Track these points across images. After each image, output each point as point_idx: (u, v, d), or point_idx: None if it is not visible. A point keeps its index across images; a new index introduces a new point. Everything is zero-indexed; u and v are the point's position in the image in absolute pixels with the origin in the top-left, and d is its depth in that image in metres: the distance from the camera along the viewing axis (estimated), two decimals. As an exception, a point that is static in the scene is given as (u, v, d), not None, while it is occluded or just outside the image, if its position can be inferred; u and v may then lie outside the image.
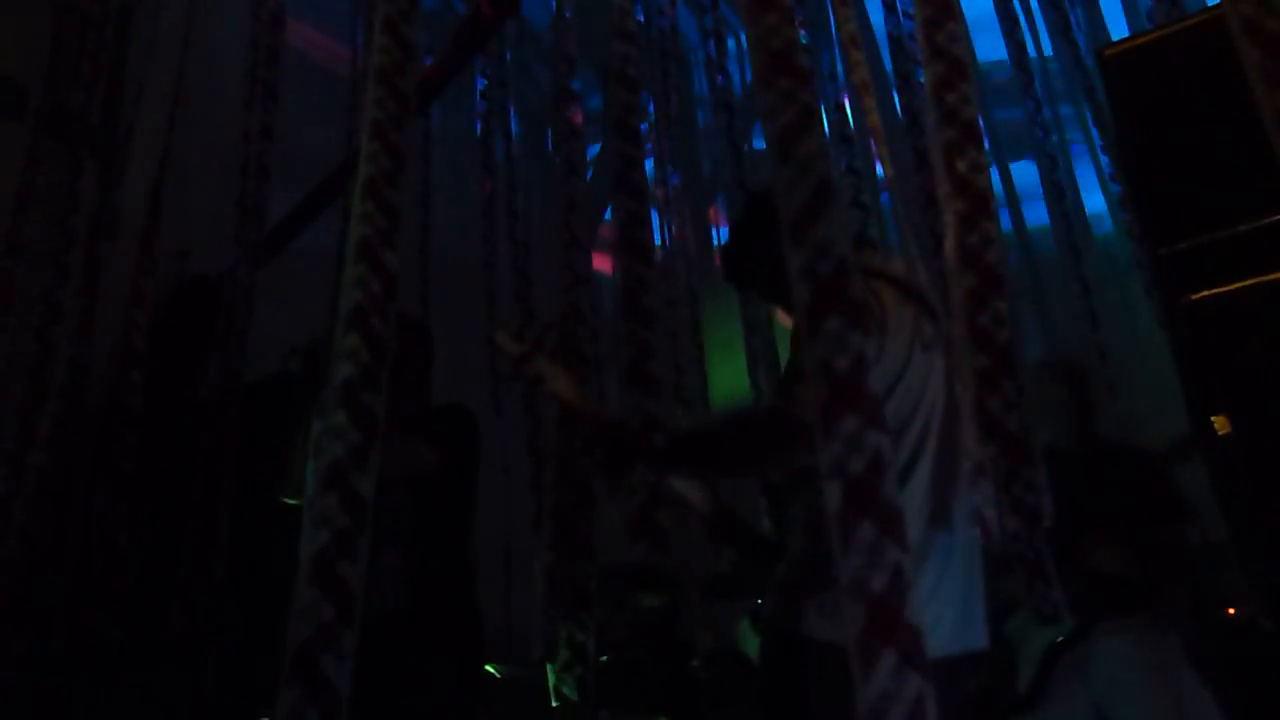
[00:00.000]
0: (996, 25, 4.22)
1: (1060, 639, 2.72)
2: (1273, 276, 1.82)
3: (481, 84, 4.49)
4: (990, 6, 4.26)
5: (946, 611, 1.70)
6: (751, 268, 2.03)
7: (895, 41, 3.26)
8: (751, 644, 4.19)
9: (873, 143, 2.55)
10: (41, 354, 2.49)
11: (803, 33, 3.80)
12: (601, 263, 6.47)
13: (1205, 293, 1.89)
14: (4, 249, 2.57)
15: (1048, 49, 5.31)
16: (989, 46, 4.78)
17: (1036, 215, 5.06)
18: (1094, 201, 5.30)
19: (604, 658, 3.67)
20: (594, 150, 5.36)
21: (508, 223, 4.13)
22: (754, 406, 1.62)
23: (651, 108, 5.11)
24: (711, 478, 2.17)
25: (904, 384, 1.74)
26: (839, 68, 3.92)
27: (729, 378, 4.75)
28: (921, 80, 2.07)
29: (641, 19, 4.81)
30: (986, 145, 1.84)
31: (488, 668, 3.17)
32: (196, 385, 2.82)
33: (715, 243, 7.17)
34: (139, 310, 2.49)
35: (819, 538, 1.70)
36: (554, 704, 3.75)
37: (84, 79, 2.79)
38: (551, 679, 3.85)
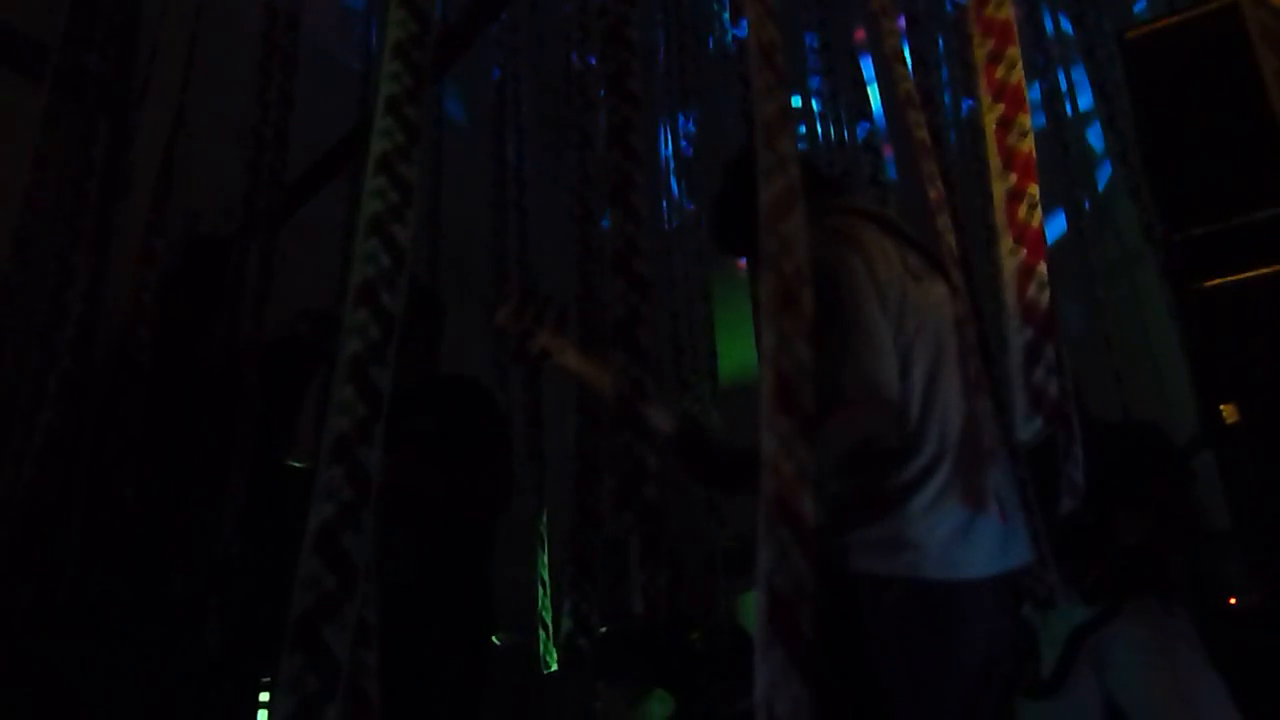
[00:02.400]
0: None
1: (1083, 624, 2.71)
2: (1285, 266, 1.82)
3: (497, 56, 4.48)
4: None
5: (986, 536, 1.71)
6: (735, 233, 2.02)
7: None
8: (752, 618, 4.22)
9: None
10: (54, 314, 2.50)
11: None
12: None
13: (1218, 280, 1.89)
14: (22, 208, 2.57)
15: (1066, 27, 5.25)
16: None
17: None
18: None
19: (603, 629, 3.70)
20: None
21: (516, 194, 4.11)
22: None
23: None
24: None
25: (908, 309, 1.75)
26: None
27: (740, 355, 4.75)
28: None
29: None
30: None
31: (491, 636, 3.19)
32: (205, 345, 2.82)
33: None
34: (149, 269, 2.49)
35: (849, 480, 1.72)
36: (553, 672, 3.79)
37: (99, 38, 2.78)
38: (552, 649, 3.89)
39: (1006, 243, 1.61)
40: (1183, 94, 2.06)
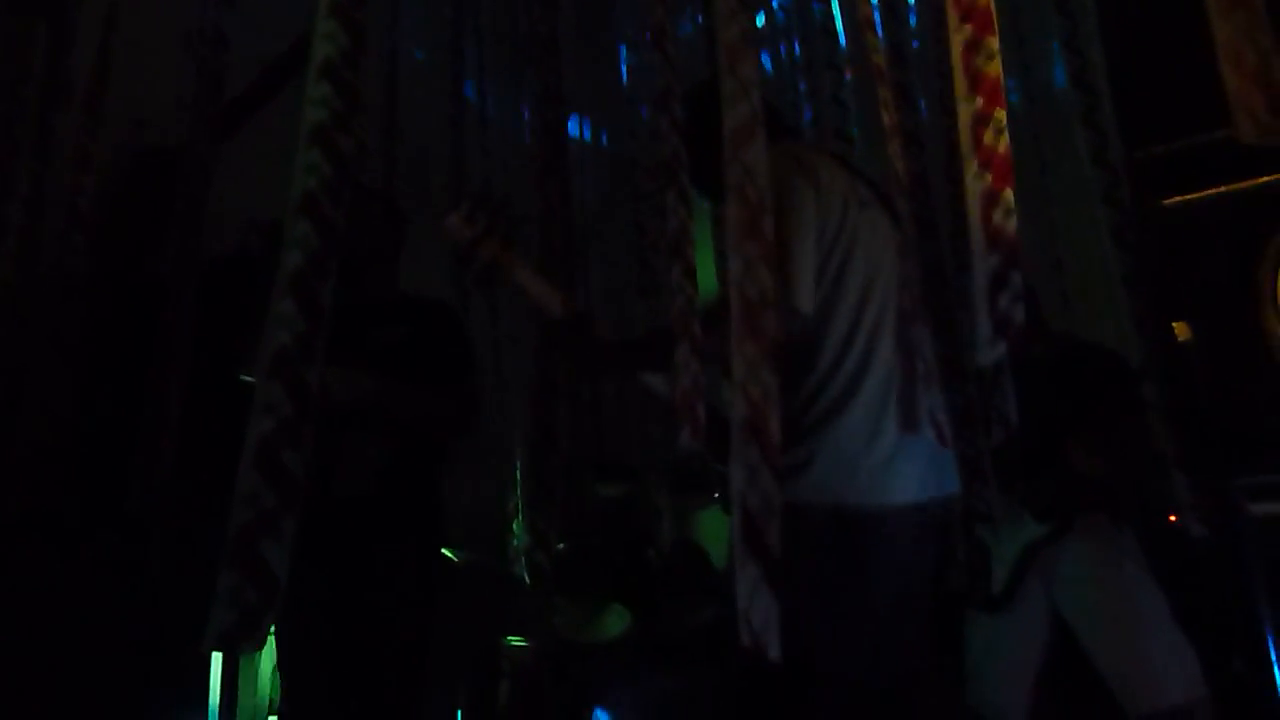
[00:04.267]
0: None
1: (1033, 540, 2.76)
2: (1243, 185, 1.82)
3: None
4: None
5: (914, 462, 1.74)
6: (696, 163, 2.00)
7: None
8: (709, 536, 4.27)
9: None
10: (-5, 226, 2.43)
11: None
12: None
13: (1176, 199, 1.89)
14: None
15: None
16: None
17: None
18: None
19: (561, 544, 3.73)
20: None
21: (479, 105, 4.04)
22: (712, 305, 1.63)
23: None
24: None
25: (845, 237, 1.78)
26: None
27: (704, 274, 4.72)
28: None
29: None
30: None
31: (446, 552, 3.21)
32: (154, 259, 2.76)
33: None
34: (84, 174, 2.42)
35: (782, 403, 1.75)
36: (511, 587, 3.82)
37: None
38: (512, 565, 3.91)
39: (971, 167, 1.60)
40: (1146, 12, 2.04)
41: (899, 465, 1.72)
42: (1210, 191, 1.84)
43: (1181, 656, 2.58)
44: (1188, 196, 1.88)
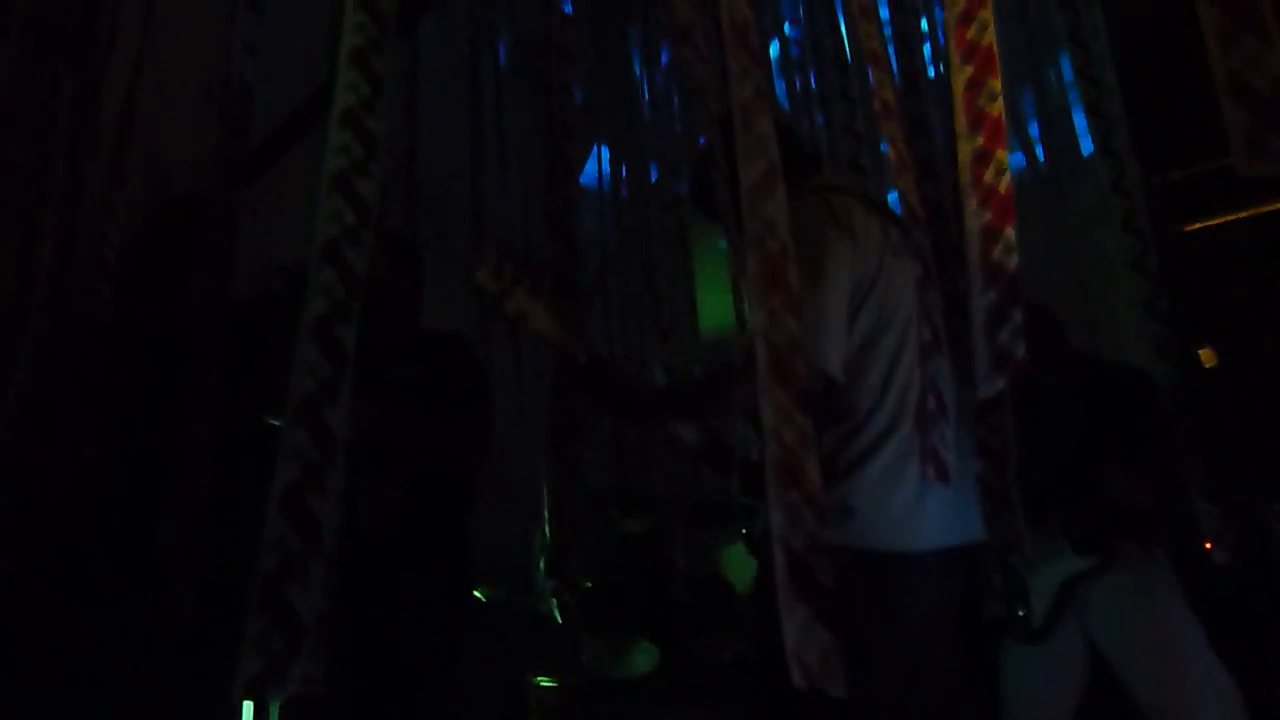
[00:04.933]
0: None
1: (1075, 574, 2.73)
2: (1265, 209, 1.81)
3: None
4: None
5: (939, 506, 1.73)
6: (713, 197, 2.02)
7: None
8: (734, 570, 4.24)
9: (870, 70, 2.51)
10: (22, 274, 2.46)
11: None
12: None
13: (1197, 224, 1.88)
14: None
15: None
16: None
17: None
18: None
19: (588, 581, 3.72)
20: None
21: (497, 146, 4.07)
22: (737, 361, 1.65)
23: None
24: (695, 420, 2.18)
25: (880, 287, 1.79)
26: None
27: (719, 309, 4.73)
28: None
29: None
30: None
31: (474, 591, 3.21)
32: (179, 304, 2.79)
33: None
34: (110, 223, 2.46)
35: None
36: (538, 626, 3.81)
37: (61, -9, 2.72)
38: (538, 602, 3.90)
39: (971, 204, 1.61)
40: (1161, 39, 2.04)
41: (926, 507, 1.73)
42: (1231, 216, 1.84)
43: (1219, 686, 2.54)
44: (1209, 221, 1.87)
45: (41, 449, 2.35)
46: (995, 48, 1.68)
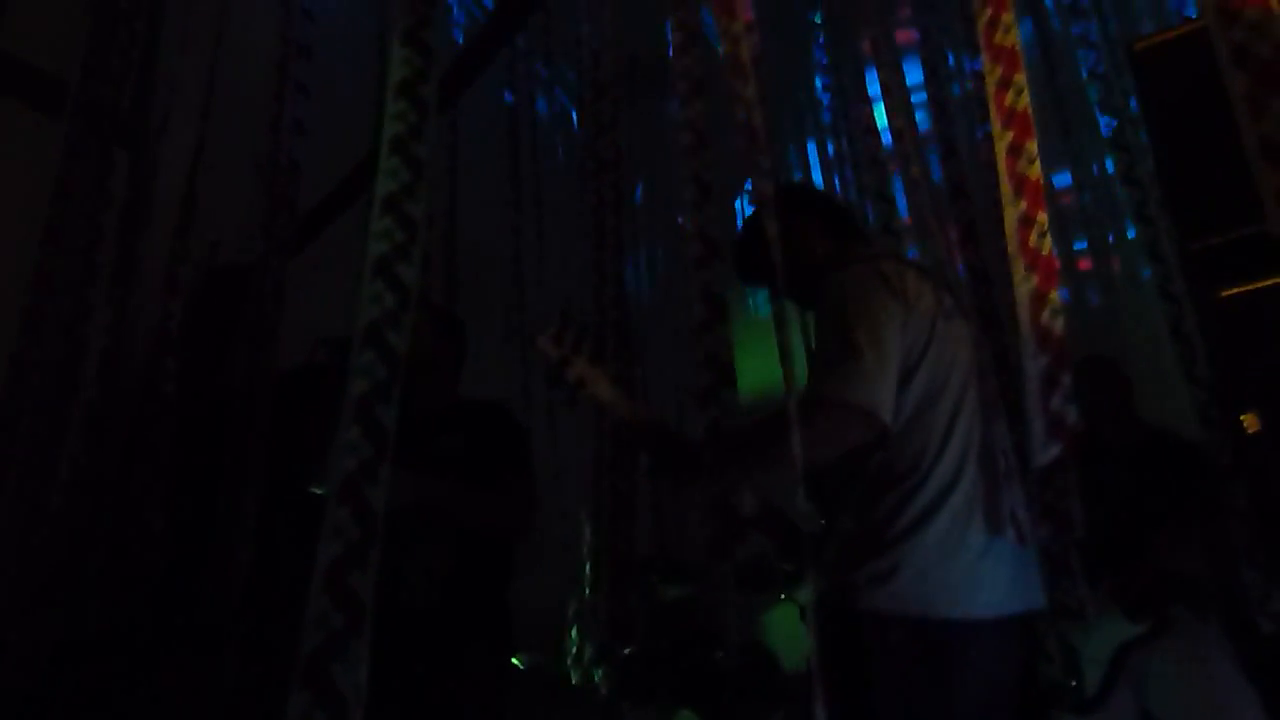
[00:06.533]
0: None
1: (1128, 641, 2.68)
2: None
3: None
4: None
5: (1000, 570, 1.71)
6: (761, 263, 2.03)
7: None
8: (774, 636, 4.20)
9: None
10: (70, 347, 2.53)
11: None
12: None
13: (1236, 289, 1.87)
14: (43, 241, 2.60)
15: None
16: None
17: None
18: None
19: (627, 649, 3.69)
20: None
21: (535, 215, 4.14)
22: (793, 401, 1.64)
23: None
24: (760, 477, 2.17)
25: (934, 350, 1.78)
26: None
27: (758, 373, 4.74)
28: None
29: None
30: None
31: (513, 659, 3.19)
32: (227, 374, 2.85)
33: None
34: (173, 298, 2.52)
35: (866, 513, 1.76)
36: (577, 694, 3.78)
37: (115, 73, 2.82)
38: (576, 670, 3.87)
39: (1019, 270, 1.62)
40: (1192, 103, 2.05)
41: (984, 572, 1.68)
42: (1270, 281, 1.83)
43: (1275, 755, 2.48)
44: (1248, 286, 1.86)
45: (92, 517, 2.39)
46: (1030, 111, 1.70)
